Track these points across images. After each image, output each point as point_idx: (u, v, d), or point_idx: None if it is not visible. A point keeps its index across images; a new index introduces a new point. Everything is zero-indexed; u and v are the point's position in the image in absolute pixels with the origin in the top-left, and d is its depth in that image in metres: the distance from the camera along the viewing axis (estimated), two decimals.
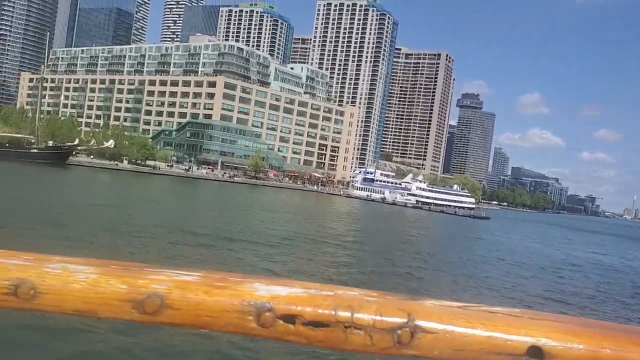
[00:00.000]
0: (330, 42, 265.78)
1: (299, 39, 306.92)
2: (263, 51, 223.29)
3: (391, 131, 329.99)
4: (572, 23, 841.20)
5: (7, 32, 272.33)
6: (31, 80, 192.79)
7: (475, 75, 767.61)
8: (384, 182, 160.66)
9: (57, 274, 0.82)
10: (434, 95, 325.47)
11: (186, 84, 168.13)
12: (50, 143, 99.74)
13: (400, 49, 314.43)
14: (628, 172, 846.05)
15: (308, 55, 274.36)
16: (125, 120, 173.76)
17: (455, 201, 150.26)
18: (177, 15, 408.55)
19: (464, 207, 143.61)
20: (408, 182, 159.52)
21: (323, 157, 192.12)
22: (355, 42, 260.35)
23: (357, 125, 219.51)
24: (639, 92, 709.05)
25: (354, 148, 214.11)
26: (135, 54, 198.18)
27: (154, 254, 21.69)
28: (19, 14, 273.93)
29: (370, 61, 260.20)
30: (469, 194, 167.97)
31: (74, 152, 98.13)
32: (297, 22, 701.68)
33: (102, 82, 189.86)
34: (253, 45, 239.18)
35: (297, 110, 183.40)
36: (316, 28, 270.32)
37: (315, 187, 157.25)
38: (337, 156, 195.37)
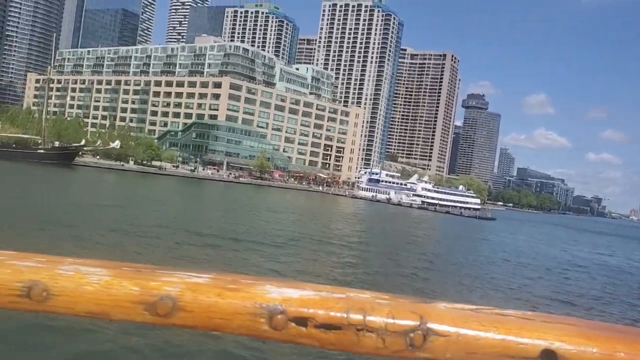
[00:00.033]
0: (336, 42, 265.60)
1: (304, 40, 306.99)
2: (268, 52, 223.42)
3: (396, 132, 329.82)
4: (573, 23, 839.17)
5: (13, 33, 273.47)
6: (37, 81, 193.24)
7: (480, 76, 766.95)
8: (390, 182, 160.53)
9: (69, 276, 0.82)
10: (439, 96, 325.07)
11: (192, 84, 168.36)
12: (57, 144, 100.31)
13: (405, 50, 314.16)
14: (634, 173, 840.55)
15: (313, 56, 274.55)
16: (131, 120, 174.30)
17: (460, 202, 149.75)
18: (182, 16, 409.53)
19: (469, 208, 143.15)
20: (413, 183, 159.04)
21: (328, 157, 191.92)
22: (361, 43, 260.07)
23: (363, 126, 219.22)
24: None
25: (359, 149, 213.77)
26: (141, 54, 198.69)
27: (160, 255, 21.78)
28: (26, 15, 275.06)
29: (376, 62, 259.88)
30: (474, 195, 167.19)
31: (80, 153, 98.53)
32: (302, 22, 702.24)
33: (108, 82, 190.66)
34: (258, 46, 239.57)
35: (303, 110, 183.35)
36: (321, 29, 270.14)
37: (321, 188, 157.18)
38: (343, 157, 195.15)
